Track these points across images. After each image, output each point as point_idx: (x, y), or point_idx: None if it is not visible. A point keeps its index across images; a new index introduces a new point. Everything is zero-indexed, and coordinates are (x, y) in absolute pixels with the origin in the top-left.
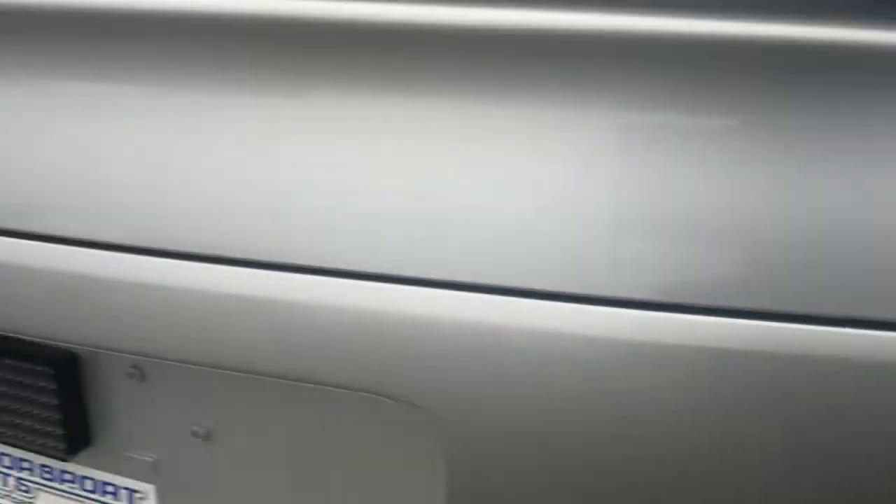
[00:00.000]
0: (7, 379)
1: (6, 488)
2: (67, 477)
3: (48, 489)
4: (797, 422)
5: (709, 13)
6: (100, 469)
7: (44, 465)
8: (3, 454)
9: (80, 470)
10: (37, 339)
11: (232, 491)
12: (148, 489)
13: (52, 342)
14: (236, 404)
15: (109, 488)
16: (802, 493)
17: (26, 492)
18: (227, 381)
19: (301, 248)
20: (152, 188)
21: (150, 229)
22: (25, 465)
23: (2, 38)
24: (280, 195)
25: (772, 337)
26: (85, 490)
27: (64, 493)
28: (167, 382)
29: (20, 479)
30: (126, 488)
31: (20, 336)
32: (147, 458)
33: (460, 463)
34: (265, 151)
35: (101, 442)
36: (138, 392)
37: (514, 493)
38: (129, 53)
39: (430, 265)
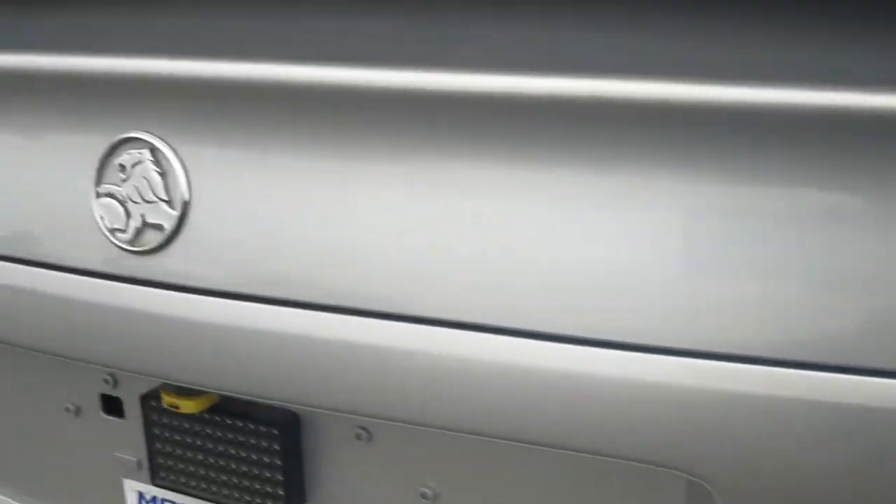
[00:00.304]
0: (231, 439)
1: None
2: None
3: None
4: None
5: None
6: None
7: None
8: None
9: None
10: (262, 400)
11: None
12: None
13: (276, 403)
14: (467, 466)
15: None
16: None
17: None
18: (458, 442)
19: (565, 318)
20: (382, 254)
21: (382, 294)
22: None
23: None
24: (533, 263)
25: None
26: None
27: None
28: (395, 443)
29: None
30: None
31: (246, 397)
32: None
33: None
34: (506, 219)
35: (316, 502)
36: (363, 452)
37: None
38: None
39: (701, 338)
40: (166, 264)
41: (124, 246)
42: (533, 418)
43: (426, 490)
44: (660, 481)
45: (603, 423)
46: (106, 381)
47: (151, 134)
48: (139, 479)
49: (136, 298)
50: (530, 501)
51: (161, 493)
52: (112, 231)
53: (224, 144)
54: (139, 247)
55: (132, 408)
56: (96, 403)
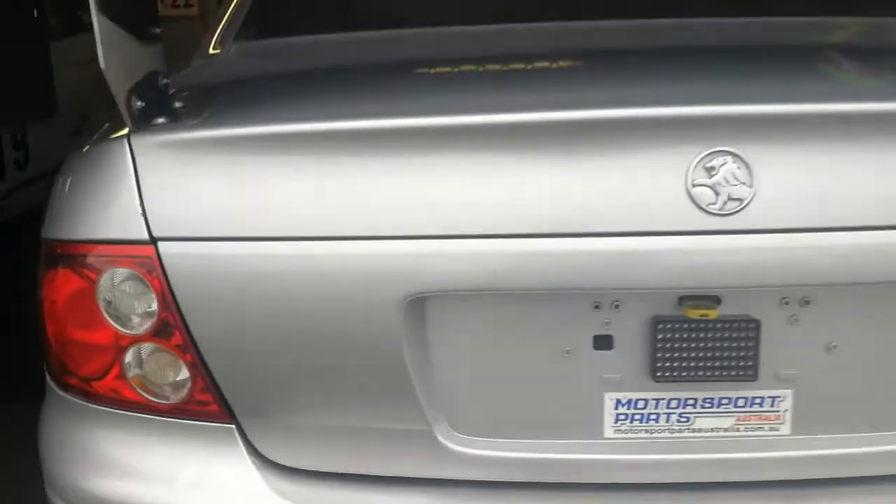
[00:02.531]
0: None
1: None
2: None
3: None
4: None
5: None
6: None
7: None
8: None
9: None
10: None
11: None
12: (787, 393)
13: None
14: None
15: (756, 399)
16: None
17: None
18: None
19: None
20: None
21: None
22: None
23: None
24: None
25: None
26: (737, 406)
27: (721, 412)
28: (817, 311)
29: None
30: (770, 396)
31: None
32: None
33: None
34: None
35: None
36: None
37: None
38: None
39: None
40: (741, 221)
41: (715, 208)
42: None
43: (831, 343)
44: None
45: None
46: (604, 324)
47: (730, 148)
48: (617, 390)
49: (710, 245)
50: None
51: (632, 395)
52: (701, 207)
53: (772, 151)
54: (724, 213)
55: (626, 337)
56: (589, 345)
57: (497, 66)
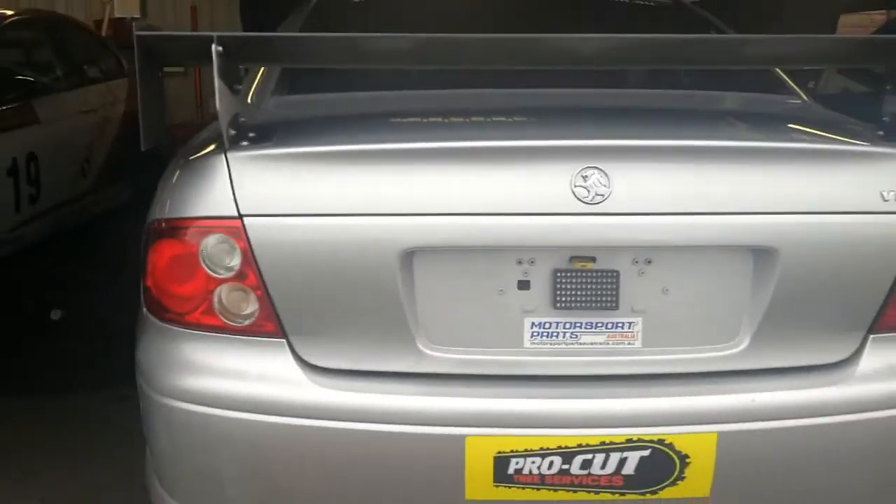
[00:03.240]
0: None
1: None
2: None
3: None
4: None
5: None
6: None
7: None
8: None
9: None
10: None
11: (682, 324)
12: (638, 320)
13: None
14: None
15: (619, 323)
16: None
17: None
18: None
19: None
20: None
21: None
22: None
23: None
24: None
25: None
26: (606, 328)
27: (596, 331)
28: None
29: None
30: (627, 321)
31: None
32: (639, 306)
33: None
34: None
35: None
36: None
37: None
38: None
39: None
40: (605, 206)
41: (583, 196)
42: None
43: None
44: None
45: None
46: (523, 274)
47: (597, 164)
48: (532, 316)
49: (582, 225)
50: None
51: (550, 317)
52: (579, 199)
53: (623, 167)
54: (591, 203)
55: (539, 282)
56: (514, 286)
57: (459, 114)
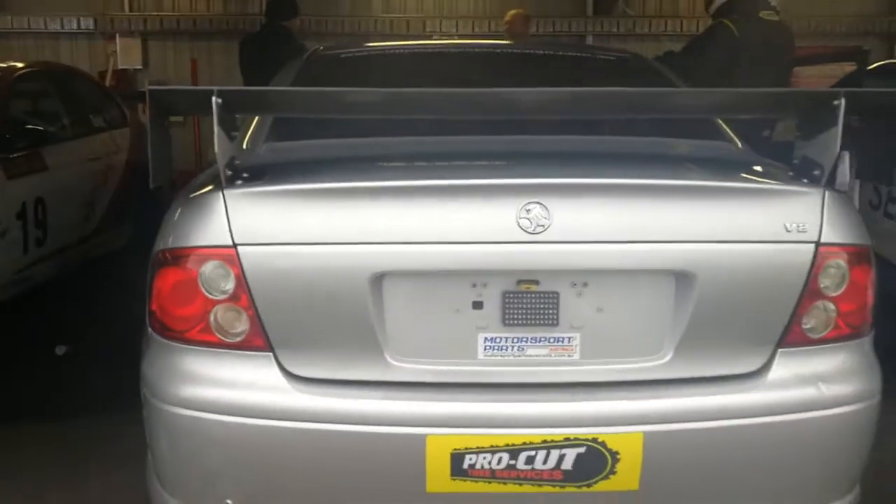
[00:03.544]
0: (530, 299)
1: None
2: (542, 338)
3: (532, 345)
4: None
5: None
6: None
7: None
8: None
9: None
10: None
11: (614, 339)
12: (576, 335)
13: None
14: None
15: (559, 338)
16: None
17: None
18: None
19: None
20: None
21: None
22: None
23: None
24: None
25: None
26: (549, 342)
27: (540, 345)
28: None
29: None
30: (567, 336)
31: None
32: (577, 323)
33: None
34: None
35: None
36: None
37: None
38: None
39: None
40: (546, 236)
41: (528, 227)
42: None
43: None
44: None
45: None
46: (477, 295)
47: (538, 200)
48: (485, 332)
49: (527, 252)
50: None
51: (500, 332)
52: (522, 226)
53: (561, 202)
54: (534, 233)
55: (490, 302)
56: (469, 306)
57: (423, 157)
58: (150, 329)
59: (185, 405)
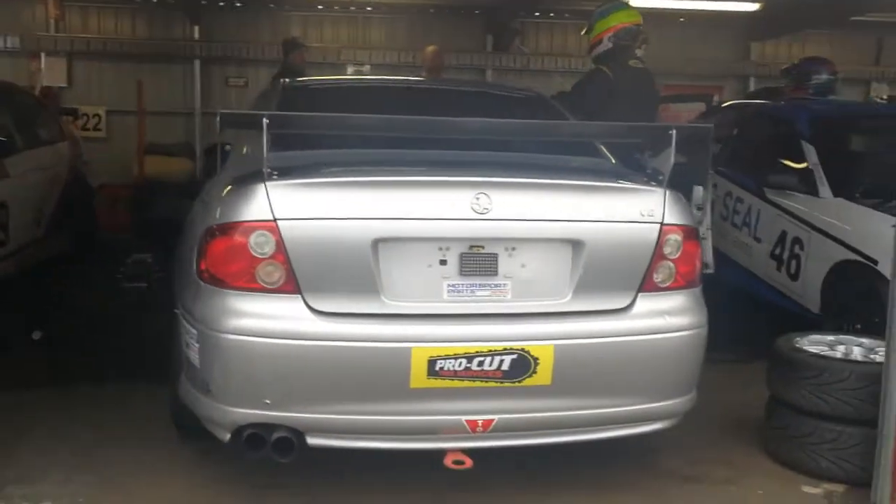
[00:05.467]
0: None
1: None
2: (486, 284)
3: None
4: None
5: None
6: None
7: None
8: None
9: None
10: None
11: (535, 284)
12: (508, 282)
13: None
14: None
15: (497, 284)
16: None
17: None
18: None
19: None
20: None
21: None
22: None
23: None
24: None
25: None
26: (491, 288)
27: (485, 288)
28: None
29: None
30: (502, 283)
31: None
32: (508, 274)
33: None
34: None
35: None
36: None
37: None
38: None
39: None
40: (490, 215)
41: (477, 209)
42: None
43: None
44: None
45: None
46: (442, 255)
47: (485, 191)
48: (449, 280)
49: (476, 226)
50: None
51: (458, 280)
52: (473, 209)
53: (500, 193)
54: (480, 212)
55: (451, 260)
56: (437, 262)
57: (406, 163)
58: (202, 283)
59: (237, 332)
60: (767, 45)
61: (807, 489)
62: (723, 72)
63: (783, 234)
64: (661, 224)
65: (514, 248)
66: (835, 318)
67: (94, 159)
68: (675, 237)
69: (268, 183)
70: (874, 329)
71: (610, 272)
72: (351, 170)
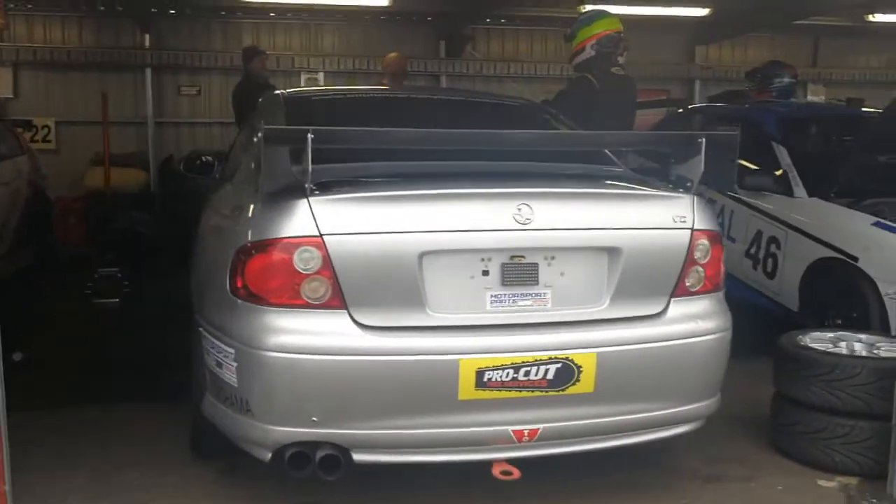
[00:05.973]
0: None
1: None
2: (527, 293)
3: (522, 297)
4: None
5: None
6: None
7: None
8: None
9: None
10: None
11: (575, 293)
12: (549, 291)
13: None
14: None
15: (538, 293)
16: None
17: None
18: None
19: None
20: None
21: None
22: None
23: None
24: None
25: None
26: (532, 296)
27: (527, 298)
28: None
29: None
30: (543, 292)
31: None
32: (549, 283)
33: None
34: None
35: None
36: None
37: None
38: None
39: None
40: (531, 226)
41: (519, 220)
42: None
43: None
44: None
45: None
46: (485, 266)
47: (526, 202)
48: (492, 290)
49: (517, 236)
50: None
51: (501, 290)
52: (515, 219)
53: (541, 204)
54: (523, 223)
55: (494, 270)
56: (480, 273)
57: (448, 177)
58: (239, 301)
59: (281, 349)
60: (711, 48)
61: (822, 483)
62: (669, 75)
63: (758, 234)
64: (692, 229)
65: (553, 258)
66: (814, 315)
67: (51, 174)
68: (704, 242)
69: (311, 198)
70: (853, 324)
71: (645, 278)
72: (394, 184)
